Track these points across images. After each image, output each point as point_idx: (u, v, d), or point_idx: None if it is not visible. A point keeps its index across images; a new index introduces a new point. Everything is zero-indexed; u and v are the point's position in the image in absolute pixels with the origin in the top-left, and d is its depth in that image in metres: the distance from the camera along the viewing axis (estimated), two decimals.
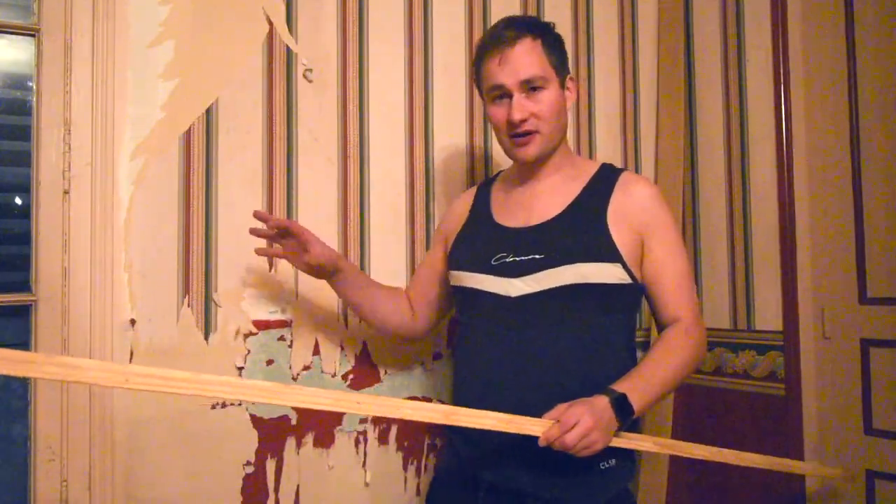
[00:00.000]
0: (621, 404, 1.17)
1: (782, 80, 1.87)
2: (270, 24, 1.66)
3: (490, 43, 1.35)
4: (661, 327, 1.36)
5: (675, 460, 2.05)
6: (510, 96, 1.32)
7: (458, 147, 1.90)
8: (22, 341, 1.46)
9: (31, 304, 1.44)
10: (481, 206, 1.48)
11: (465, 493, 1.32)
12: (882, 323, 1.71)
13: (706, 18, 2.11)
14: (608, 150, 2.13)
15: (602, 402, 1.16)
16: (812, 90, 1.87)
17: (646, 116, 2.21)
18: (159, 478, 1.51)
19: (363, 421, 1.73)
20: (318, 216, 1.70)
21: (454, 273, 1.43)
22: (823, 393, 1.83)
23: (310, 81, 1.70)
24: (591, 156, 2.11)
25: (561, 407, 1.15)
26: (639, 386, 1.21)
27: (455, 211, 1.56)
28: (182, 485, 1.53)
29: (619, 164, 2.15)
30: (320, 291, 1.69)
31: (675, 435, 2.05)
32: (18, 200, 1.52)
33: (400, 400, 1.14)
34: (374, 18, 1.79)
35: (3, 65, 1.49)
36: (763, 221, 1.92)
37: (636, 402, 1.19)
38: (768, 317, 1.90)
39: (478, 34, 1.92)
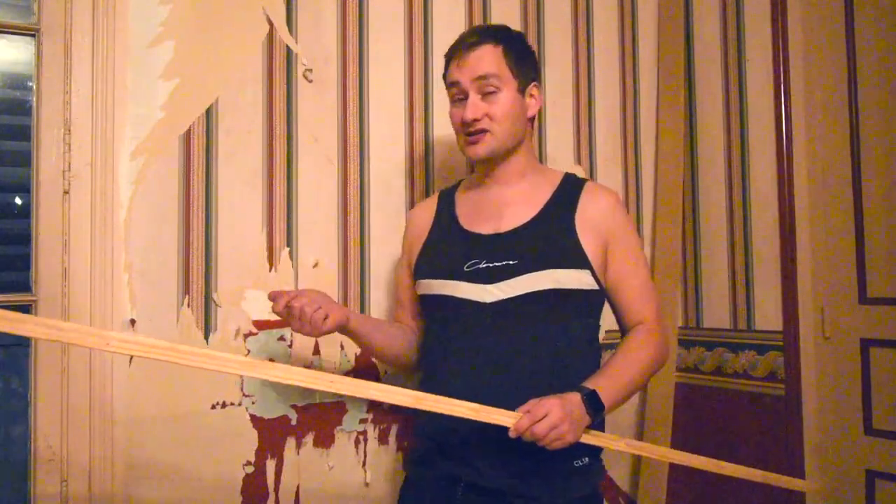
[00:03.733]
0: (592, 400, 1.21)
1: (782, 80, 1.87)
2: (270, 24, 1.66)
3: (453, 47, 1.40)
4: (625, 330, 1.41)
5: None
6: (467, 97, 1.35)
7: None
8: (22, 341, 1.46)
9: (31, 304, 1.44)
10: (446, 214, 1.47)
11: (442, 493, 1.32)
12: (882, 323, 1.71)
13: (706, 18, 2.11)
14: (608, 149, 2.14)
15: (574, 397, 1.19)
16: (812, 90, 1.87)
17: (646, 116, 2.21)
18: (159, 478, 1.51)
19: (363, 421, 1.73)
20: (318, 216, 1.70)
21: (424, 281, 1.42)
22: (823, 393, 1.83)
23: (310, 81, 1.70)
24: (591, 156, 2.11)
25: (533, 400, 1.17)
26: (608, 384, 1.25)
27: (417, 221, 1.53)
28: (182, 485, 1.53)
29: (619, 164, 2.16)
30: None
31: (675, 434, 2.05)
32: (18, 200, 1.52)
33: (370, 382, 1.16)
34: (374, 18, 1.80)
35: (3, 65, 1.49)
36: (763, 221, 1.92)
37: (606, 398, 1.23)
38: (768, 317, 1.90)
39: None
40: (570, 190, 1.40)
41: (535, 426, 1.13)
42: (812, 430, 1.82)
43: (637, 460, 2.09)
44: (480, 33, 1.38)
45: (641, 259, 1.41)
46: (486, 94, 1.34)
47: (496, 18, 1.96)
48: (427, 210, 1.52)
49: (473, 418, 1.16)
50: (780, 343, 1.86)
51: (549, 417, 1.13)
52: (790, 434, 1.82)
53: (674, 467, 2.06)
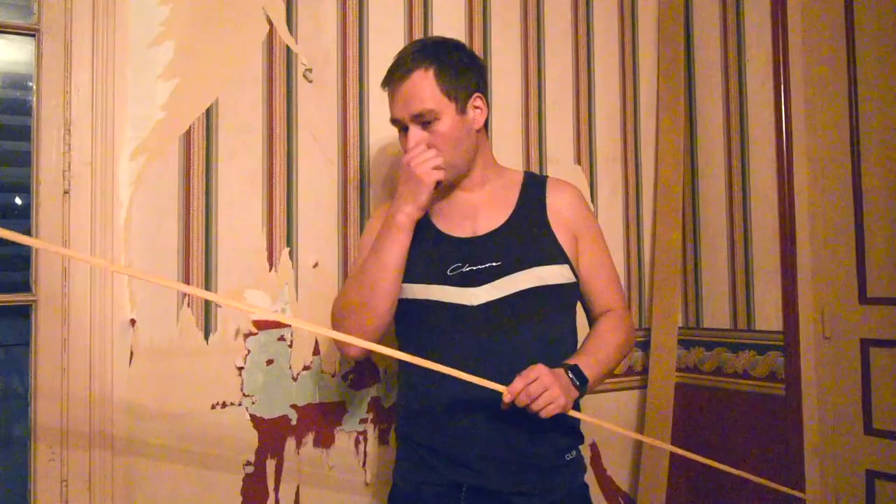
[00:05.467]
0: (576, 372, 1.26)
1: (782, 80, 1.87)
2: (270, 24, 1.67)
3: (388, 75, 1.37)
4: (594, 318, 1.45)
5: (675, 461, 2.05)
6: (407, 128, 1.34)
7: None
8: (22, 341, 1.46)
9: (31, 304, 1.44)
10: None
11: (444, 500, 1.33)
12: (882, 323, 1.71)
13: (706, 19, 2.11)
14: (608, 149, 2.13)
15: (558, 370, 1.24)
16: (812, 90, 1.87)
17: (646, 116, 2.21)
18: (159, 478, 1.51)
19: (363, 421, 1.73)
20: (318, 216, 1.70)
21: (402, 286, 1.36)
22: (823, 393, 1.83)
23: (310, 81, 1.70)
24: (591, 156, 2.11)
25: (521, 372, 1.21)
26: (587, 360, 1.30)
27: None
28: (182, 485, 1.53)
29: (619, 164, 2.16)
30: (320, 291, 1.69)
31: (675, 434, 2.05)
32: (18, 200, 1.52)
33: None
34: (374, 18, 1.80)
35: (3, 65, 1.49)
36: (763, 221, 1.92)
37: (588, 373, 1.27)
38: (768, 317, 1.90)
39: (478, 34, 1.92)
40: (535, 188, 1.43)
41: (528, 386, 1.16)
42: (812, 430, 1.82)
43: (637, 461, 2.09)
44: (409, 59, 1.34)
45: (607, 251, 1.46)
46: (425, 124, 1.33)
47: (496, 18, 1.96)
48: None
49: (466, 379, 1.18)
50: (780, 343, 1.86)
51: (541, 380, 1.17)
52: (790, 434, 1.82)
53: (673, 467, 2.06)
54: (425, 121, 1.32)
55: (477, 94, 1.38)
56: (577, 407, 1.32)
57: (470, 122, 1.37)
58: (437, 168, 1.30)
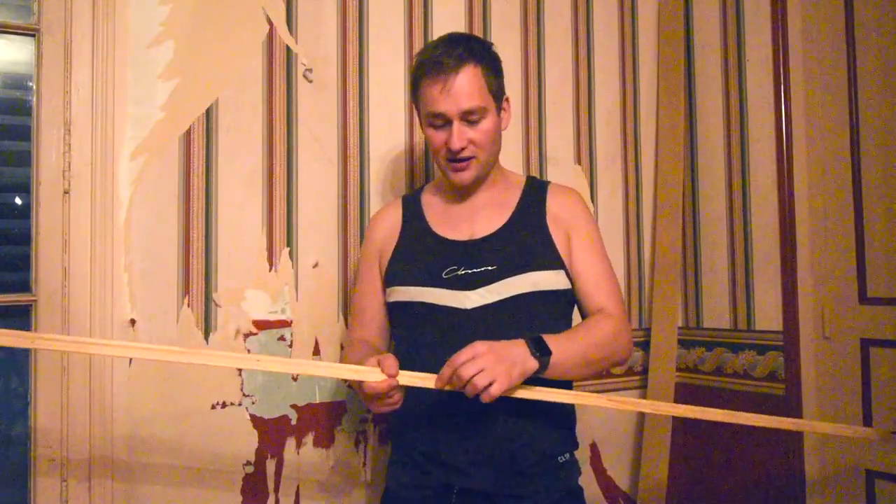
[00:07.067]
0: (537, 343, 1.19)
1: (782, 80, 1.87)
2: (270, 24, 1.67)
3: (432, 68, 1.31)
4: (586, 317, 1.39)
5: (675, 460, 2.05)
6: (450, 123, 1.31)
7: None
8: None
9: (31, 304, 1.44)
10: (415, 220, 1.44)
11: (434, 501, 1.33)
12: (882, 323, 1.71)
13: (706, 18, 2.11)
14: (608, 150, 2.13)
15: (515, 341, 1.18)
16: (812, 90, 1.87)
17: (646, 116, 2.21)
18: (159, 478, 1.51)
19: (363, 421, 1.73)
20: (318, 216, 1.70)
21: (398, 289, 1.38)
22: (823, 393, 1.83)
23: (310, 81, 1.71)
24: (591, 156, 2.11)
25: None
26: (558, 338, 1.23)
27: (384, 226, 1.48)
28: (182, 485, 1.53)
29: (619, 164, 2.16)
30: (320, 291, 1.69)
31: (675, 434, 2.05)
32: (18, 200, 1.52)
33: (300, 360, 1.25)
34: (374, 18, 1.80)
35: (3, 65, 1.49)
36: (763, 221, 1.92)
37: (554, 346, 1.20)
38: (768, 317, 1.90)
39: (478, 34, 1.92)
40: (535, 192, 1.42)
41: (460, 368, 1.11)
42: None
43: (637, 461, 2.09)
44: (459, 54, 1.30)
45: (603, 253, 1.40)
46: (470, 122, 1.31)
47: (496, 19, 1.96)
48: (392, 215, 1.48)
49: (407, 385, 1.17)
50: (780, 343, 1.85)
51: (476, 360, 1.11)
52: (790, 434, 1.82)
53: (674, 468, 2.06)
54: (473, 119, 1.31)
55: (506, 97, 1.40)
56: (570, 416, 1.32)
57: (501, 123, 1.38)
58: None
